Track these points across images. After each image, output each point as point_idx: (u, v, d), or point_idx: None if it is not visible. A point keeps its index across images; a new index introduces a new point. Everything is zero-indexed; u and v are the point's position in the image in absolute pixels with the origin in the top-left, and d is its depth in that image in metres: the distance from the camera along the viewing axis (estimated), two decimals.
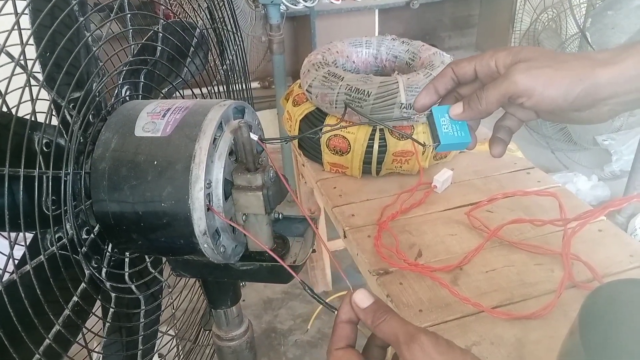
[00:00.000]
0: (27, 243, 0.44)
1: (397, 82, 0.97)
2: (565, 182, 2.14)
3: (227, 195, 0.48)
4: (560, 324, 0.71)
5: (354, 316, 0.43)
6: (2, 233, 0.46)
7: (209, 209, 0.46)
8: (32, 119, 0.43)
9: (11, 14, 0.41)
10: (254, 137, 0.48)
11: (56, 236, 0.46)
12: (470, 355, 0.39)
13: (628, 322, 0.44)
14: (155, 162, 0.46)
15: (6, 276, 0.41)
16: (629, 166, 1.90)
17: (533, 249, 0.84)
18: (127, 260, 0.56)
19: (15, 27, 0.40)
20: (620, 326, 0.44)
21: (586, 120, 0.49)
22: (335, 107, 1.01)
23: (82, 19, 0.48)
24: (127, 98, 0.57)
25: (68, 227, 0.47)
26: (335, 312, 0.44)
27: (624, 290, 0.46)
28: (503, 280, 0.79)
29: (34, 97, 0.42)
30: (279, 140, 0.55)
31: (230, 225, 0.49)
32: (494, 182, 1.04)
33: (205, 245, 0.47)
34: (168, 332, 0.68)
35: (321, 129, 0.99)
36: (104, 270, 0.53)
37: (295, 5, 1.72)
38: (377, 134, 1.01)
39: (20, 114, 0.42)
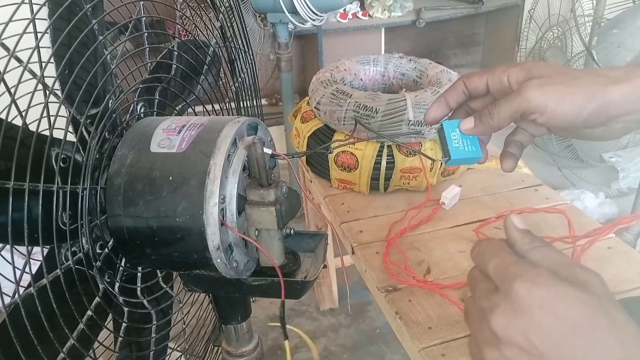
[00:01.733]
0: (43, 257, 0.45)
1: (405, 99, 0.98)
2: (573, 200, 2.13)
3: (240, 210, 0.49)
4: None
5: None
6: (18, 247, 0.47)
7: (222, 224, 0.47)
8: (51, 135, 0.44)
9: (31, 33, 0.42)
10: (268, 151, 0.49)
11: (71, 250, 0.47)
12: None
13: None
14: (171, 178, 0.47)
15: (22, 290, 0.42)
16: (636, 183, 1.90)
17: None
18: (139, 275, 0.57)
19: (37, 47, 0.41)
20: None
21: (598, 137, 0.49)
22: (344, 124, 1.02)
23: (101, 37, 0.49)
24: (142, 115, 0.58)
25: (83, 241, 0.47)
26: None
27: (636, 308, 0.46)
28: None
29: (54, 113, 0.43)
30: (292, 156, 0.55)
31: (243, 240, 0.50)
32: (502, 199, 1.04)
33: (219, 260, 0.48)
34: (177, 349, 0.68)
35: (330, 145, 1.00)
36: (116, 284, 0.53)
37: (303, 24, 1.74)
38: (385, 151, 1.01)
39: (38, 130, 0.43)
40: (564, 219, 0.88)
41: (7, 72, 0.39)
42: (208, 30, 0.70)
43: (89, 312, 0.48)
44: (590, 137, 0.50)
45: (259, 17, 1.86)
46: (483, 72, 0.52)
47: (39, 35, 0.42)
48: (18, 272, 0.42)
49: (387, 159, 1.01)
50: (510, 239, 0.39)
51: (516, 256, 0.37)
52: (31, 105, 0.42)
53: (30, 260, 0.44)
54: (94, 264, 0.49)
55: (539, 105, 0.46)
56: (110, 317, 0.54)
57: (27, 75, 0.41)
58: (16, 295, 0.41)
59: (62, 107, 0.45)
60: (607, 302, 0.33)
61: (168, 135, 0.49)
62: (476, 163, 0.54)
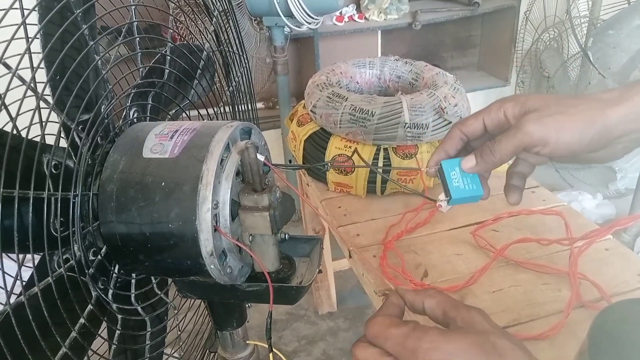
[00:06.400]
0: (35, 264, 0.44)
1: (401, 101, 0.98)
2: (570, 201, 2.13)
3: (233, 216, 0.49)
4: (569, 344, 0.70)
5: (402, 303, 0.46)
6: (11, 255, 0.46)
7: (216, 229, 0.46)
8: (42, 141, 0.44)
9: (22, 38, 0.41)
10: (261, 157, 0.48)
11: (63, 257, 0.46)
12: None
13: (639, 343, 0.44)
14: (163, 184, 0.47)
15: (13, 298, 0.41)
16: (634, 184, 1.90)
17: (540, 269, 0.83)
18: (133, 281, 0.56)
19: (26, 51, 0.41)
20: (631, 346, 0.44)
21: (601, 160, 0.49)
22: (340, 127, 1.01)
23: (92, 42, 0.49)
24: (135, 120, 0.57)
25: (76, 248, 0.47)
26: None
27: (634, 310, 0.46)
28: (510, 300, 0.78)
29: (44, 119, 0.43)
30: (286, 167, 0.55)
31: (237, 246, 0.49)
32: (499, 201, 1.03)
33: (212, 266, 0.47)
34: (173, 355, 0.68)
35: (329, 163, 0.99)
36: (110, 291, 0.52)
37: (299, 27, 1.74)
38: (382, 153, 1.01)
39: (30, 137, 0.43)
40: (561, 221, 0.88)
41: None
42: (202, 34, 0.69)
43: (82, 320, 0.47)
44: (592, 161, 0.50)
45: (254, 20, 1.85)
46: (477, 113, 0.52)
47: (29, 40, 0.42)
48: (10, 280, 0.42)
49: (384, 162, 1.01)
50: (408, 299, 0.45)
51: (404, 326, 0.41)
52: (22, 111, 0.42)
53: (23, 267, 0.43)
54: (86, 271, 0.48)
55: (541, 137, 0.46)
56: (104, 324, 0.53)
57: (18, 81, 0.41)
58: (7, 304, 0.40)
59: (54, 113, 0.45)
60: (493, 335, 0.39)
61: (160, 141, 0.49)
62: (479, 201, 0.53)
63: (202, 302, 0.73)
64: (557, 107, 0.47)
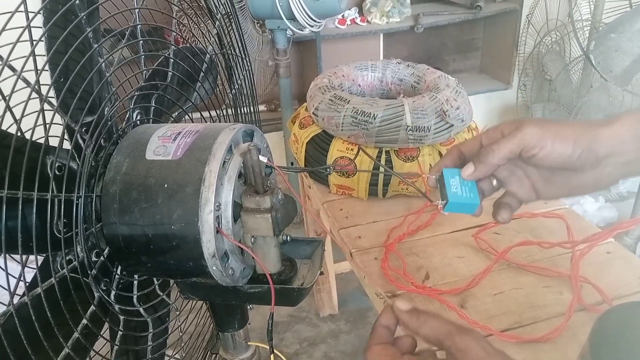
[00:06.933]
0: (38, 265, 0.45)
1: (403, 104, 0.98)
2: (572, 204, 2.13)
3: (236, 217, 0.49)
4: (570, 347, 0.70)
5: (393, 323, 0.47)
6: (14, 256, 0.46)
7: (218, 231, 0.46)
8: (46, 143, 0.44)
9: (27, 41, 0.42)
10: (263, 159, 0.49)
11: (66, 259, 0.46)
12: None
13: (639, 345, 0.44)
14: (166, 185, 0.47)
15: (17, 298, 0.42)
16: (635, 187, 1.90)
17: (541, 272, 0.83)
18: (135, 282, 0.56)
19: (31, 53, 0.41)
20: (631, 349, 0.44)
21: (591, 186, 0.52)
22: (342, 130, 1.02)
23: (95, 45, 0.49)
24: (138, 122, 0.57)
25: (79, 249, 0.47)
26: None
27: (635, 313, 0.46)
28: (511, 303, 0.79)
29: (48, 121, 0.43)
30: (288, 170, 0.55)
31: (239, 247, 0.50)
32: None
33: (214, 268, 0.48)
34: (174, 356, 0.68)
35: (331, 167, 1.00)
36: (112, 292, 0.53)
37: (301, 30, 1.75)
38: (384, 156, 1.01)
39: (34, 138, 0.43)
40: (563, 224, 0.88)
41: (2, 80, 0.39)
42: (205, 37, 0.70)
43: (84, 321, 0.47)
44: (581, 187, 0.52)
45: (257, 23, 1.86)
46: (476, 136, 0.55)
47: (34, 43, 0.42)
48: (13, 281, 0.42)
49: (386, 165, 1.01)
50: (402, 322, 0.46)
51: (400, 359, 0.43)
52: (26, 113, 0.42)
53: (26, 268, 0.44)
54: (89, 272, 0.48)
55: (539, 139, 0.49)
56: (106, 325, 0.53)
57: (22, 83, 0.41)
58: (10, 304, 0.40)
59: (58, 115, 0.45)
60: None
61: (163, 143, 0.49)
62: (474, 213, 0.54)
63: (204, 304, 0.74)
64: (551, 122, 0.51)
